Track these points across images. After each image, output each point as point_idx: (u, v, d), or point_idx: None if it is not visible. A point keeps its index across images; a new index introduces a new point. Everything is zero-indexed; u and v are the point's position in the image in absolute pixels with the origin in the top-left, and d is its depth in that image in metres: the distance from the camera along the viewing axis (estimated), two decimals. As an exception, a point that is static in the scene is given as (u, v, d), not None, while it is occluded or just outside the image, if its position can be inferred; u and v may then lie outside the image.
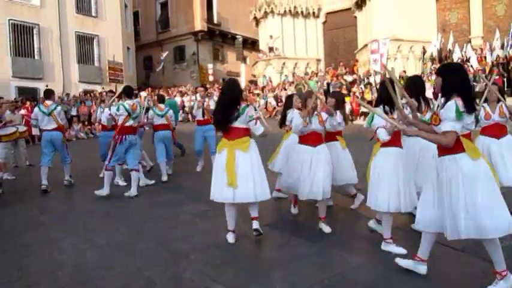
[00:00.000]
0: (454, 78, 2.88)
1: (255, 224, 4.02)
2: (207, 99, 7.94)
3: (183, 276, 3.33)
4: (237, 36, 28.97)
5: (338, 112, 4.67)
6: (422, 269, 3.15)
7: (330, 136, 4.74)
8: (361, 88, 18.95)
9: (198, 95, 8.82)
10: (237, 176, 3.84)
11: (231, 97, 4.04)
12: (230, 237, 4.06)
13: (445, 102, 2.88)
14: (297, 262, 3.52)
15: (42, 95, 20.78)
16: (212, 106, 7.28)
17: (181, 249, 3.92)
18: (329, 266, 3.44)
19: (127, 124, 6.25)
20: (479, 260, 3.42)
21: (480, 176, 2.81)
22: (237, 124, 3.96)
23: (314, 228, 4.38)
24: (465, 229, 2.77)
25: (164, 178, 7.11)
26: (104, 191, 6.10)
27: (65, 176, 7.26)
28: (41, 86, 21.79)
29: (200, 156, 7.89)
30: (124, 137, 6.20)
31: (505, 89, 16.18)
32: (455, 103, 2.78)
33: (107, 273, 3.45)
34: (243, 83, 26.80)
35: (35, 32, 21.61)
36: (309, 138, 4.38)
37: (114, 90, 9.86)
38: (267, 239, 4.15)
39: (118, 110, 6.25)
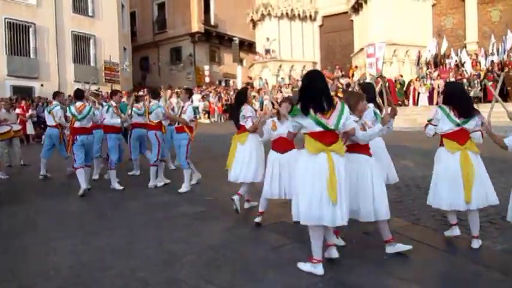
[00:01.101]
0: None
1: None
2: (173, 102, 7.86)
3: (177, 278, 3.33)
4: (233, 38, 29.03)
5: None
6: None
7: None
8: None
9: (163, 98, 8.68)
10: (233, 161, 5.10)
11: (238, 101, 5.40)
12: None
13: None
14: (292, 265, 3.54)
15: (36, 94, 20.79)
16: (175, 109, 7.34)
17: (176, 251, 3.93)
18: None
19: (76, 125, 6.60)
20: (471, 263, 3.46)
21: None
22: (240, 122, 5.15)
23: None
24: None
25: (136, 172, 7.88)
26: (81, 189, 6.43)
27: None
28: (36, 85, 21.74)
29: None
30: (75, 137, 6.60)
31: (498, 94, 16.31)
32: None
33: (101, 275, 3.44)
34: (239, 84, 26.85)
35: (31, 31, 21.54)
36: (276, 144, 4.52)
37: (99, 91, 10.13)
38: (263, 241, 4.17)
39: (70, 111, 6.70)
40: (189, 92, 7.15)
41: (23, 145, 11.24)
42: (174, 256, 3.81)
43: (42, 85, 21.72)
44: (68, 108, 6.92)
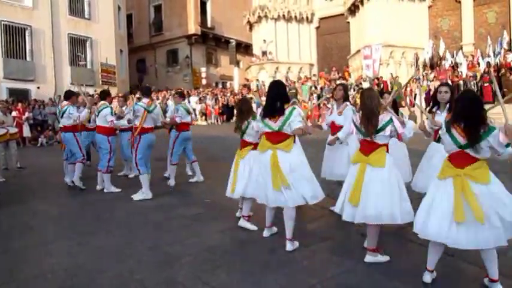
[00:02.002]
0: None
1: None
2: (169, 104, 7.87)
3: (175, 280, 3.32)
4: (230, 40, 29.06)
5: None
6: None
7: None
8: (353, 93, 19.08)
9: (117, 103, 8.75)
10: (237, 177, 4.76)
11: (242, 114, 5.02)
12: None
13: None
14: (289, 266, 3.54)
15: (33, 96, 20.72)
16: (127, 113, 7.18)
17: (174, 253, 3.92)
18: (320, 271, 3.45)
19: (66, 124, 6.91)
20: (469, 265, 3.47)
21: None
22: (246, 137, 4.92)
23: (306, 232, 4.40)
24: None
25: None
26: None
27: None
28: (33, 88, 21.67)
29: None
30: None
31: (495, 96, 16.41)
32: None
33: (98, 277, 3.43)
34: (236, 86, 26.86)
35: (27, 33, 21.47)
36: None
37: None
38: (260, 243, 4.16)
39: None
40: (181, 95, 7.67)
41: (19, 148, 11.19)
42: (171, 258, 3.80)
43: (38, 88, 21.66)
44: (57, 108, 7.15)
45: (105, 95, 7.28)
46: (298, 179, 3.88)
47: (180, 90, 8.59)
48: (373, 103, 3.52)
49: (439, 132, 3.34)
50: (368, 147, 3.55)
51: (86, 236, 4.51)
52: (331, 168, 4.98)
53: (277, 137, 3.93)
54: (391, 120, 3.50)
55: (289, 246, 3.90)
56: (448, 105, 4.11)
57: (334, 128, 4.89)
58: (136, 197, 6.15)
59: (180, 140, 7.20)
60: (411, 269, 3.45)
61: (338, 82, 20.86)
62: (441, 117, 3.98)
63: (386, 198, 3.43)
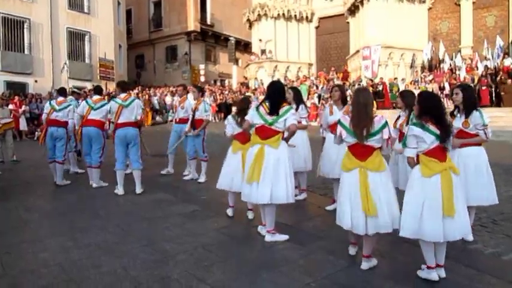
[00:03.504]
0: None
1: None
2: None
3: (170, 277, 3.31)
4: (229, 38, 29.01)
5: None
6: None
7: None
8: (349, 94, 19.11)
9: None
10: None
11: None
12: None
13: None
14: (285, 265, 3.53)
15: (30, 90, 20.64)
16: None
17: (169, 250, 3.91)
18: (316, 270, 3.45)
19: (51, 117, 6.89)
20: (463, 267, 3.48)
21: None
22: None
23: (302, 231, 4.40)
24: None
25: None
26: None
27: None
28: (30, 81, 21.58)
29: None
30: (46, 128, 6.87)
31: (493, 99, 16.46)
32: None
33: (92, 273, 3.41)
34: (234, 84, 26.83)
35: (25, 26, 21.37)
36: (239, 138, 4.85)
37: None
38: (255, 241, 4.16)
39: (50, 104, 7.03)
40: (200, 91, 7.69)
41: (16, 141, 11.13)
42: (166, 255, 3.79)
43: (36, 81, 21.56)
44: (49, 102, 7.23)
45: (100, 91, 7.29)
46: (276, 177, 3.99)
47: (199, 86, 8.41)
48: (368, 104, 3.39)
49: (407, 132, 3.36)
50: (363, 152, 3.35)
51: (81, 232, 4.49)
52: (331, 166, 4.92)
53: (267, 132, 4.07)
54: (386, 123, 3.38)
55: (267, 237, 4.08)
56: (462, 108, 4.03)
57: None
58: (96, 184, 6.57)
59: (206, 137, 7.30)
60: (405, 268, 3.46)
61: (336, 82, 20.92)
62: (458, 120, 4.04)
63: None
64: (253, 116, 4.18)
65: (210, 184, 6.75)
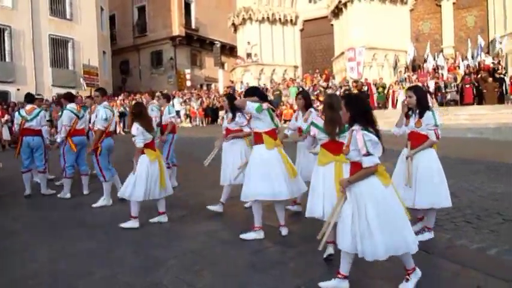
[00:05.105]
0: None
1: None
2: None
3: (159, 283, 3.30)
4: (215, 42, 29.00)
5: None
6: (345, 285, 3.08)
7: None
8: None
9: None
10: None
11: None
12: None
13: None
14: (275, 267, 3.55)
15: (13, 98, 20.28)
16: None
17: (158, 256, 3.89)
18: (305, 272, 3.48)
19: (25, 126, 6.66)
20: (449, 263, 3.54)
21: None
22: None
23: (291, 233, 4.42)
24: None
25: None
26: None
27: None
28: (12, 90, 21.24)
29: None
30: (21, 139, 6.66)
31: (475, 97, 16.78)
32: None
33: (81, 281, 3.38)
34: (220, 88, 26.82)
35: (6, 34, 21.06)
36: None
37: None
38: (245, 245, 4.17)
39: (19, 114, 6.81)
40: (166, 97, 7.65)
41: (-1, 151, 10.93)
42: (156, 261, 3.77)
43: (18, 89, 21.24)
44: (18, 111, 7.05)
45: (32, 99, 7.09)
46: (253, 175, 4.23)
47: (164, 93, 8.48)
48: (339, 107, 3.46)
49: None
50: (336, 147, 3.54)
51: (69, 240, 4.45)
52: (307, 169, 4.91)
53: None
54: None
55: (244, 235, 4.29)
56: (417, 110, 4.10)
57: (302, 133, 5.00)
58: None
59: (174, 141, 7.18)
60: (393, 267, 3.51)
61: (322, 84, 21.07)
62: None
63: None
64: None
65: (198, 189, 6.75)
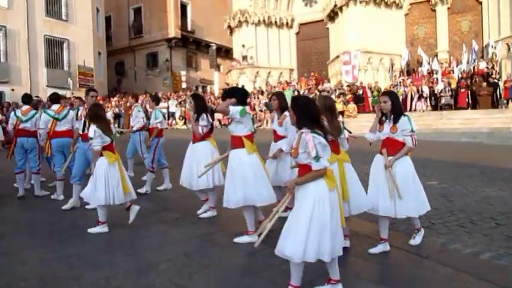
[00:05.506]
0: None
1: None
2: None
3: (152, 286, 3.28)
4: (211, 44, 29.01)
5: None
6: None
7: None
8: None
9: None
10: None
11: None
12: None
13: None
14: (268, 270, 3.54)
15: (7, 99, 20.16)
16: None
17: (151, 259, 3.86)
18: (299, 274, 3.46)
19: (20, 127, 6.62)
20: (442, 266, 3.55)
21: None
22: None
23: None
24: None
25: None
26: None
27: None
28: (7, 90, 21.12)
29: None
30: (15, 139, 6.65)
31: (469, 102, 16.89)
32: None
33: (73, 284, 3.35)
34: (216, 90, 26.82)
35: (1, 34, 20.96)
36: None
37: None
38: (238, 248, 4.15)
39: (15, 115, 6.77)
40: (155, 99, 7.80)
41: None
42: (149, 264, 3.74)
43: (13, 90, 21.12)
44: (14, 112, 7.02)
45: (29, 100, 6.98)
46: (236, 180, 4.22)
47: (154, 95, 8.47)
48: (335, 108, 4.02)
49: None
50: (337, 147, 3.80)
51: (60, 243, 4.40)
52: (275, 174, 4.80)
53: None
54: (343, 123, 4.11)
55: (238, 239, 4.28)
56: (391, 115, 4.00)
57: (276, 136, 4.96)
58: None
59: (160, 146, 7.13)
60: (386, 269, 3.51)
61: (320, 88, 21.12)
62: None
63: (362, 188, 3.98)
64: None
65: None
